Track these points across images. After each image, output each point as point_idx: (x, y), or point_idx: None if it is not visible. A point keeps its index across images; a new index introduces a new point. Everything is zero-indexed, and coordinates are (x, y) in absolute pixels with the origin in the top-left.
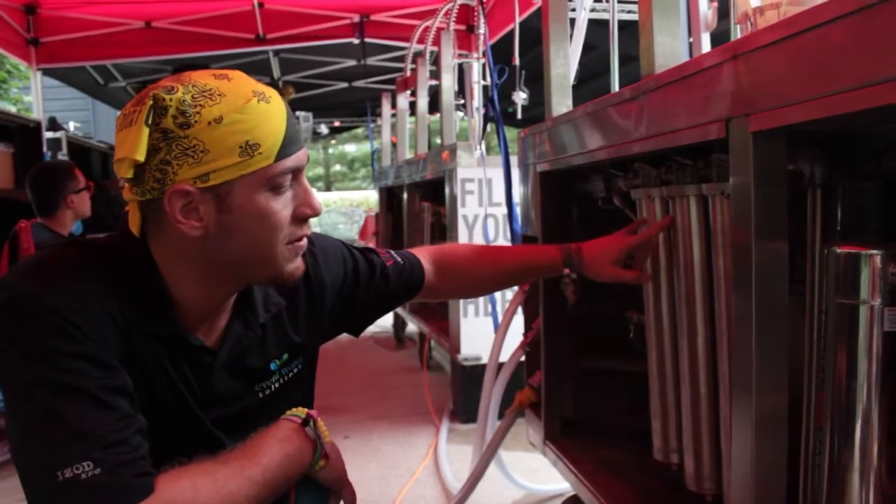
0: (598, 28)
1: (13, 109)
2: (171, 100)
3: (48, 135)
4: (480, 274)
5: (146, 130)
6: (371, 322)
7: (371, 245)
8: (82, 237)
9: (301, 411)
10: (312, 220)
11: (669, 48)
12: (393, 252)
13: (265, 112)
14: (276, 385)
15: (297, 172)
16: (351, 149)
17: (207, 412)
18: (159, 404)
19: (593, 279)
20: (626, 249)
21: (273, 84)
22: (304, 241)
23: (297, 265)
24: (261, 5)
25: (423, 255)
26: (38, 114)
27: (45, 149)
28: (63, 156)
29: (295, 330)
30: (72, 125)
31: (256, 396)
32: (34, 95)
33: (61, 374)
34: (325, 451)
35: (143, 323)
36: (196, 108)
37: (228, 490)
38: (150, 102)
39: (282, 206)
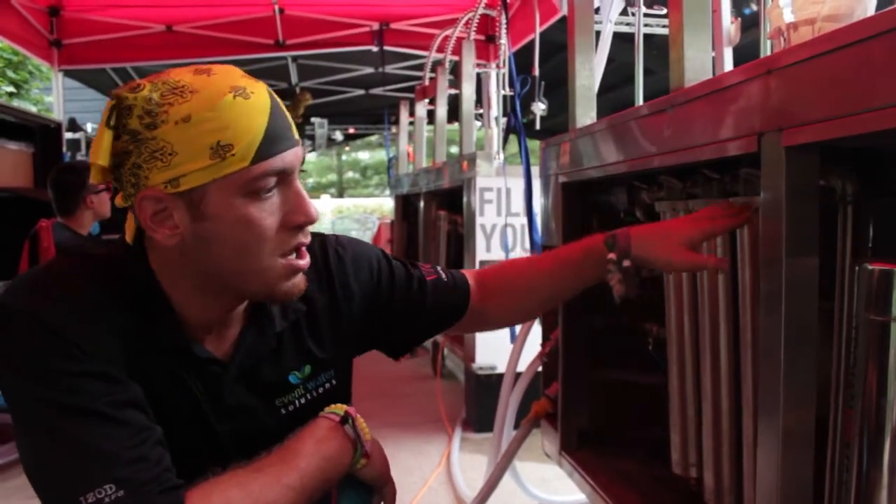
0: (613, 41)
1: (34, 110)
2: (135, 99)
3: (68, 135)
4: (521, 279)
5: (108, 133)
6: (413, 342)
7: None
8: (98, 238)
9: (339, 408)
10: (325, 226)
11: (699, 62)
12: (439, 268)
13: (242, 109)
14: (302, 401)
15: (284, 175)
16: (364, 156)
17: (223, 428)
18: (173, 419)
19: (655, 265)
20: (702, 234)
21: (290, 90)
22: (305, 261)
23: (293, 283)
24: (281, 11)
25: (470, 273)
26: (58, 114)
27: (64, 149)
28: (82, 156)
29: (316, 341)
30: (90, 126)
31: (278, 413)
32: (55, 96)
33: (68, 396)
34: (366, 449)
35: (148, 335)
36: (163, 108)
37: (265, 501)
38: (113, 102)
39: (266, 213)
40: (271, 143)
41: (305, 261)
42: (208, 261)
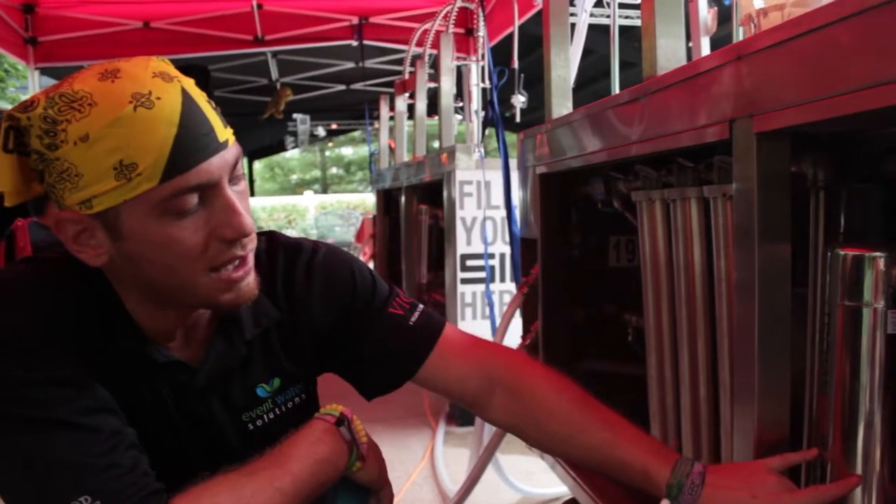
0: (593, 33)
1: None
2: (28, 119)
3: None
4: (556, 413)
5: (7, 158)
6: (381, 383)
7: (368, 248)
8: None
9: (335, 408)
10: (309, 222)
11: (672, 50)
12: (420, 307)
13: (143, 122)
14: (271, 416)
15: (207, 188)
16: (348, 151)
17: (189, 438)
18: (140, 425)
19: None
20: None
21: (271, 85)
22: (241, 272)
23: (235, 295)
24: (259, 6)
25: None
26: None
27: None
28: None
29: (287, 353)
30: None
31: (246, 428)
32: (31, 94)
33: (30, 408)
34: (362, 452)
35: (107, 339)
36: (62, 126)
37: None
38: (6, 125)
39: (189, 231)
40: (184, 155)
41: (242, 272)
42: (139, 278)
